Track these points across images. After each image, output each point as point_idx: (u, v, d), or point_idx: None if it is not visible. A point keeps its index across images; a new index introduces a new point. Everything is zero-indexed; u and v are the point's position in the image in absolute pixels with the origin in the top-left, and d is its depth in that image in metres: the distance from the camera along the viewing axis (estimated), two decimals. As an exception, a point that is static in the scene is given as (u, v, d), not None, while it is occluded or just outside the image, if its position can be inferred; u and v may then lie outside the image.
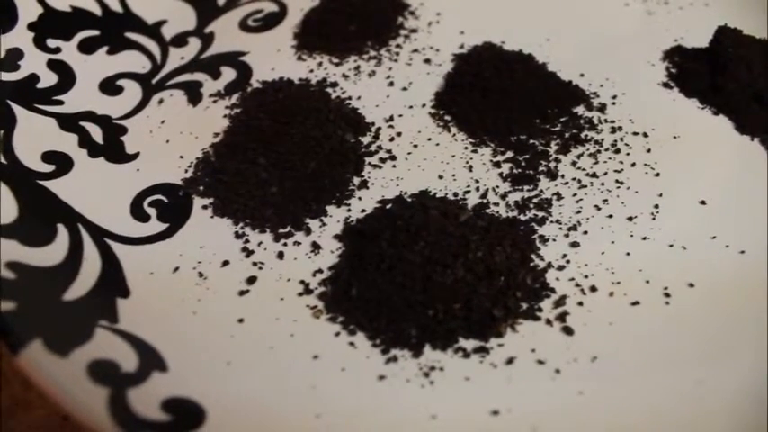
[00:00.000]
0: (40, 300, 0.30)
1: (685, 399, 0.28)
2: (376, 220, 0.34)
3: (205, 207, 0.36)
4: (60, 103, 0.41)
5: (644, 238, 0.34)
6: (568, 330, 0.31)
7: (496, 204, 0.36)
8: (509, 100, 0.40)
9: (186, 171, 0.38)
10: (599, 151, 0.38)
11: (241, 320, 0.32)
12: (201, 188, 0.37)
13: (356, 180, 0.37)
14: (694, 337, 0.31)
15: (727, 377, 0.29)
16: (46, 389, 0.27)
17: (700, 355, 0.30)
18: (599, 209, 0.36)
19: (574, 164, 0.38)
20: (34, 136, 0.39)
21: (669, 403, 0.28)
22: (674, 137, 0.39)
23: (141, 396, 0.27)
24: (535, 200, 0.36)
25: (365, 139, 0.39)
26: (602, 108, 0.40)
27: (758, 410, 0.27)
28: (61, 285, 0.31)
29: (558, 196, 0.36)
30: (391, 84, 0.43)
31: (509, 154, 0.38)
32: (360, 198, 0.36)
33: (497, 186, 0.37)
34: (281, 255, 0.34)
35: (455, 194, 0.36)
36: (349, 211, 0.36)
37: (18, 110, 0.39)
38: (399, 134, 0.40)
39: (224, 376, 0.29)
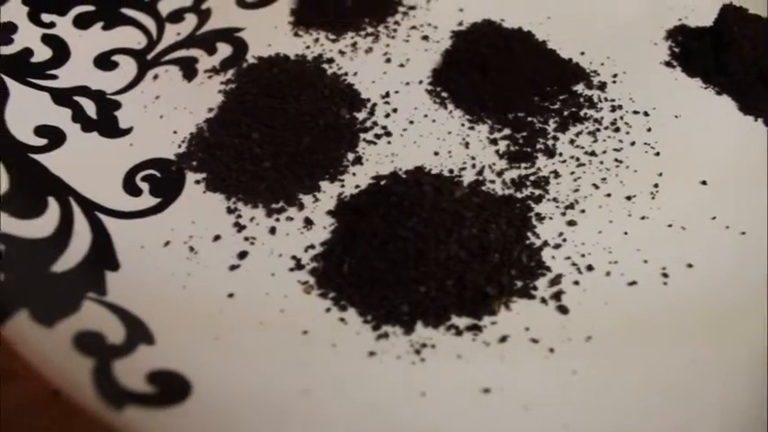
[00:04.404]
0: (27, 271, 0.30)
1: (680, 380, 0.28)
2: (369, 196, 0.34)
3: (198, 182, 0.36)
4: (54, 77, 0.41)
5: (642, 218, 0.34)
6: (563, 309, 0.30)
7: (492, 182, 0.35)
8: (507, 77, 0.39)
9: (180, 146, 0.38)
10: (598, 129, 0.37)
11: (231, 295, 0.31)
12: (195, 163, 0.37)
13: (350, 156, 0.37)
14: (692, 318, 0.30)
15: (723, 359, 0.28)
16: (31, 360, 0.27)
17: (697, 337, 0.29)
18: (597, 187, 0.35)
19: (572, 142, 0.37)
20: (27, 110, 0.38)
21: (663, 384, 0.28)
22: (676, 116, 0.38)
23: (127, 368, 0.27)
24: (532, 177, 0.35)
25: (360, 115, 0.39)
26: (602, 86, 0.40)
27: (754, 392, 0.27)
28: (50, 257, 0.31)
29: (556, 174, 0.35)
30: (388, 60, 0.42)
31: (506, 131, 0.37)
32: (354, 174, 0.36)
33: (494, 163, 0.36)
34: (273, 230, 0.34)
35: (451, 171, 0.36)
36: (342, 186, 0.35)
37: (11, 83, 0.39)
38: (395, 110, 0.39)
39: (212, 350, 0.29)
